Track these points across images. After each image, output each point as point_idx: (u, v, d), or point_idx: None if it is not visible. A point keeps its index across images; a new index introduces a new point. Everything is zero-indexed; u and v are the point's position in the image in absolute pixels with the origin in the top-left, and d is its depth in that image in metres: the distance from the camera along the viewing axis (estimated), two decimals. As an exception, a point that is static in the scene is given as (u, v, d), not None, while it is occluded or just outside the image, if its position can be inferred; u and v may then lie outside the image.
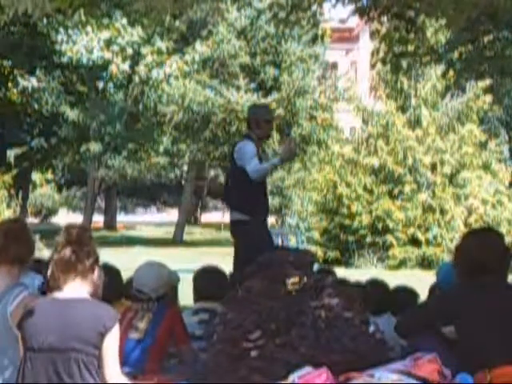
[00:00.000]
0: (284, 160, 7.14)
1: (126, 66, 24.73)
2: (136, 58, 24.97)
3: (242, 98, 25.60)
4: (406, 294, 5.74)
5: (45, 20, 22.67)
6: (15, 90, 25.95)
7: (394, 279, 9.28)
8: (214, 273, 5.53)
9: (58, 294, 3.71)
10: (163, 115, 26.63)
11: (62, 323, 3.61)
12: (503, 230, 18.16)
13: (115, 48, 24.30)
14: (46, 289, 4.59)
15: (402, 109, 20.68)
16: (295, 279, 3.96)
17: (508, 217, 19.80)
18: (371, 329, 3.99)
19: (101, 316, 3.64)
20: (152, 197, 47.48)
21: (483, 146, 20.90)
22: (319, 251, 19.32)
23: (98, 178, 33.53)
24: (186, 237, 30.75)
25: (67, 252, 3.71)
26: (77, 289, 3.71)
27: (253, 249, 6.50)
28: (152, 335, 4.72)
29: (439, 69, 18.59)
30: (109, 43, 24.23)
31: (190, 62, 25.64)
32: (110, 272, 5.15)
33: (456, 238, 17.90)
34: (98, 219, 38.09)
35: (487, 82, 17.45)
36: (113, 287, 4.93)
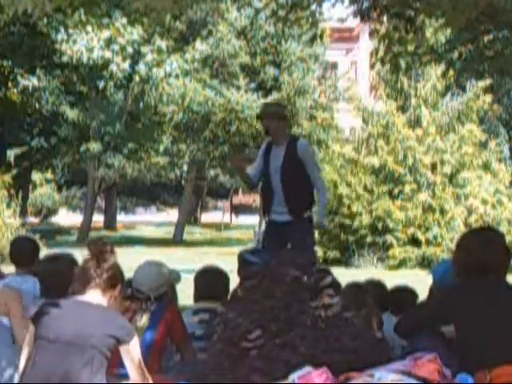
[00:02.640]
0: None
1: (126, 65, 24.71)
2: (136, 57, 24.97)
3: (242, 97, 25.61)
4: (406, 293, 5.74)
5: (45, 19, 22.65)
6: (15, 90, 25.94)
7: (393, 279, 9.29)
8: (215, 273, 5.53)
9: (79, 297, 3.85)
10: (163, 115, 26.62)
11: (81, 321, 3.74)
12: (503, 229, 18.14)
13: (115, 47, 24.29)
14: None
15: (402, 109, 20.67)
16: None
17: (508, 217, 19.80)
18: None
19: (119, 325, 3.79)
20: (152, 197, 47.47)
21: (483, 145, 20.90)
22: (319, 251, 19.30)
23: (98, 177, 33.49)
24: (186, 237, 30.75)
25: (89, 265, 3.87)
26: (96, 297, 3.85)
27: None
28: (151, 335, 4.71)
29: (439, 69, 18.59)
30: (109, 42, 24.22)
31: (190, 60, 25.63)
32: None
33: (456, 237, 17.88)
34: (98, 219, 38.08)
35: (487, 81, 17.46)
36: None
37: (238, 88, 25.98)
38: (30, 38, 24.84)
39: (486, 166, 20.51)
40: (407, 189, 19.70)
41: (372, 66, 20.74)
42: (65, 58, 24.25)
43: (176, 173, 38.15)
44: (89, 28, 23.86)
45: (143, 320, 4.77)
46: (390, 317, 5.24)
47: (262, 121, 7.16)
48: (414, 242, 19.39)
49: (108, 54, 24.27)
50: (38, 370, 3.66)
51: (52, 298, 4.07)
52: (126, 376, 3.83)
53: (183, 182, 36.91)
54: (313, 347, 3.71)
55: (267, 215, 7.23)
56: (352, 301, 4.41)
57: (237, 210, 47.88)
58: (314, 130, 26.90)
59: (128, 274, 5.38)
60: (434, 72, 19.75)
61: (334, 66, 34.09)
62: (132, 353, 3.77)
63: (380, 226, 19.44)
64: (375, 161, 20.06)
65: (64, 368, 3.63)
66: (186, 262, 15.79)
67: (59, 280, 4.42)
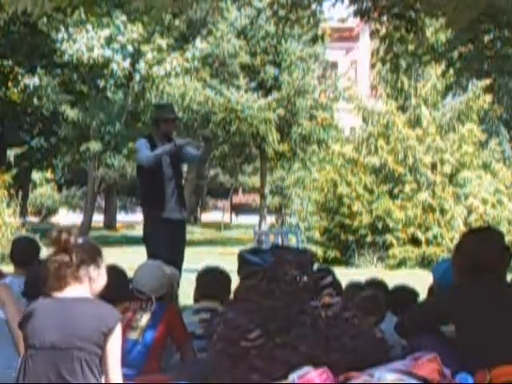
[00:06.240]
0: (178, 145, 7.30)
1: (126, 64, 24.70)
2: (136, 56, 24.95)
3: (242, 97, 25.58)
4: (406, 293, 5.74)
5: (45, 19, 22.64)
6: (15, 90, 25.93)
7: (393, 279, 9.27)
8: (218, 273, 5.53)
9: (59, 294, 3.72)
10: (163, 115, 26.56)
11: (64, 322, 3.61)
12: (503, 229, 18.12)
13: (115, 46, 24.29)
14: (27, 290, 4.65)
15: (403, 108, 20.67)
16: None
17: (508, 216, 19.78)
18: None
19: (103, 316, 3.65)
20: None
21: (483, 145, 20.89)
22: (319, 251, 19.30)
23: (98, 177, 33.45)
24: (186, 236, 30.66)
25: (58, 257, 3.72)
26: (76, 289, 3.71)
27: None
28: (151, 335, 4.71)
29: (439, 69, 18.58)
30: (109, 41, 24.22)
31: (191, 58, 25.63)
32: (115, 272, 5.11)
33: (456, 237, 17.86)
34: (98, 219, 38.05)
35: (487, 81, 17.42)
36: (118, 288, 4.89)
37: (238, 88, 25.95)
38: (30, 38, 24.83)
39: (486, 166, 20.51)
40: (407, 188, 19.68)
41: (372, 66, 20.72)
42: (65, 57, 24.24)
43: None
44: (89, 27, 23.87)
45: (143, 320, 4.76)
46: (390, 316, 5.24)
47: (160, 122, 7.37)
48: (414, 241, 19.38)
49: (108, 53, 24.26)
50: (30, 379, 3.59)
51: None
52: (125, 376, 3.80)
53: (183, 181, 36.88)
54: (313, 347, 3.71)
55: (161, 212, 7.25)
56: (363, 307, 4.44)
57: (237, 209, 47.87)
58: (314, 129, 26.88)
59: (128, 274, 5.39)
60: (434, 72, 19.74)
61: (334, 65, 34.07)
62: (118, 336, 3.65)
63: (380, 225, 19.42)
64: (375, 160, 20.06)
65: (55, 375, 3.55)
66: (186, 262, 15.75)
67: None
